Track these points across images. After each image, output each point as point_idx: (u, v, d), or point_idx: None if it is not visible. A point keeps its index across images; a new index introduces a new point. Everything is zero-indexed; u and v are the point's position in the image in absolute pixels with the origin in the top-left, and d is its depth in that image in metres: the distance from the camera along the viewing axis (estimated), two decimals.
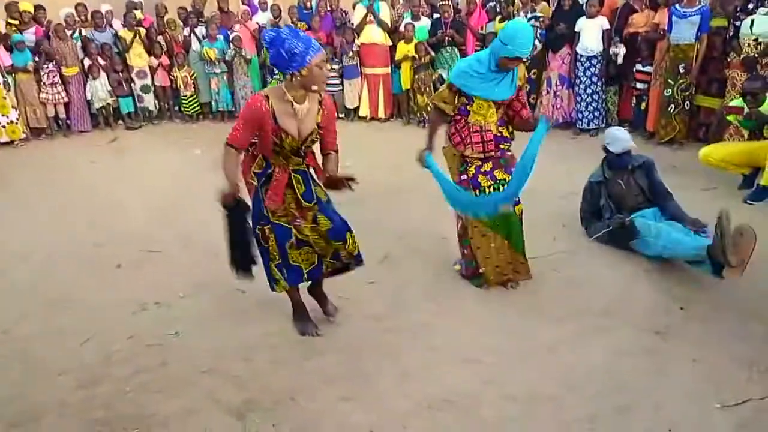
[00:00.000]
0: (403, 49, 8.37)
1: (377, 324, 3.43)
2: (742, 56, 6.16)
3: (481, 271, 3.76)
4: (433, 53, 8.26)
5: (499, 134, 3.54)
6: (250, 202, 3.19)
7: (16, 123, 8.00)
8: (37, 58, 8.12)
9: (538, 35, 7.59)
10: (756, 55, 6.05)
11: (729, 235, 3.36)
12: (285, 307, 3.62)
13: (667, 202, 4.17)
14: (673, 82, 6.65)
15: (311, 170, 3.16)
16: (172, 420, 2.71)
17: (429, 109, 8.33)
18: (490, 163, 3.58)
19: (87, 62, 8.44)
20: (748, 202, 5.07)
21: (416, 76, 8.35)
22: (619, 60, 7.25)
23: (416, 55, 8.25)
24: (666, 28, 6.69)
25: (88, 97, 8.59)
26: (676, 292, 3.63)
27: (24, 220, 5.28)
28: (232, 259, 3.18)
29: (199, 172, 6.69)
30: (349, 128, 8.75)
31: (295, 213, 3.09)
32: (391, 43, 8.61)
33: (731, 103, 5.24)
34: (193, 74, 8.90)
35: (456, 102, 3.52)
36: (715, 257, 3.44)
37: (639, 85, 7.19)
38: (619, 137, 4.34)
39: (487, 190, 3.59)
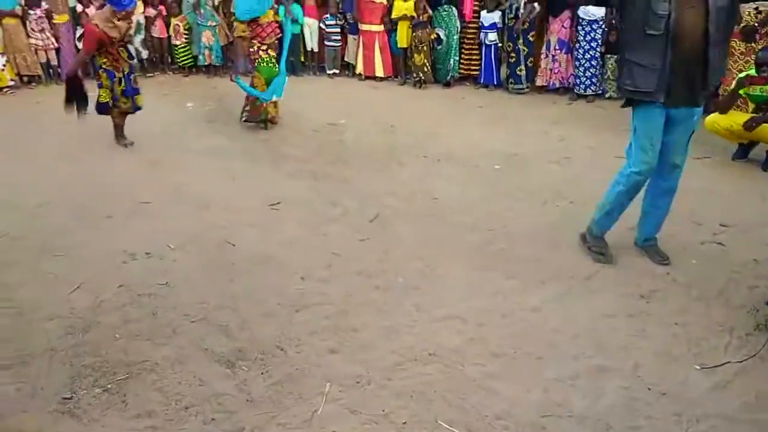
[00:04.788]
0: (401, 7, 8.23)
1: (366, 281, 3.47)
2: (741, 25, 6.10)
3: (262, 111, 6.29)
4: (431, 11, 8.14)
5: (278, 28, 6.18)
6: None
7: (3, 70, 7.85)
8: (23, 3, 7.93)
9: None
10: (756, 24, 5.99)
11: None
12: (273, 263, 3.67)
13: None
14: None
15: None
16: (162, 367, 2.74)
17: (426, 69, 8.30)
18: (265, 45, 6.11)
19: (79, 8, 8.26)
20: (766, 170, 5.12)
21: (414, 35, 8.24)
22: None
23: (414, 14, 8.12)
24: None
25: (79, 46, 8.42)
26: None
27: (15, 169, 5.23)
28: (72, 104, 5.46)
29: (190, 125, 6.65)
30: (344, 86, 8.67)
31: (117, 68, 5.52)
32: (385, 1, 8.47)
33: (741, 75, 5.18)
34: (186, 24, 8.74)
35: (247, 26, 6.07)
36: None
37: None
38: None
39: (265, 61, 6.13)
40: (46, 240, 3.94)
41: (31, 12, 7.97)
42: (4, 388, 2.61)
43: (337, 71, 9.10)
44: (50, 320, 3.09)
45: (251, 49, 6.12)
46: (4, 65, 7.86)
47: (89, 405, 2.52)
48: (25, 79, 8.33)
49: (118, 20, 5.31)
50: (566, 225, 4.15)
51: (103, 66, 5.50)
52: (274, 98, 6.28)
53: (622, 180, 3.50)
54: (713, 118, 5.25)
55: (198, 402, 2.53)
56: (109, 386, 2.63)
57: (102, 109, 5.64)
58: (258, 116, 6.32)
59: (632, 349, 2.89)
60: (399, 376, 2.68)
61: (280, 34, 6.22)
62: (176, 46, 8.90)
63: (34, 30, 8.06)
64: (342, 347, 2.87)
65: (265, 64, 6.12)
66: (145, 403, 2.53)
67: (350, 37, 8.87)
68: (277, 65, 6.21)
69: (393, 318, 3.11)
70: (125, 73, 5.55)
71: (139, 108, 5.79)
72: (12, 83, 8.02)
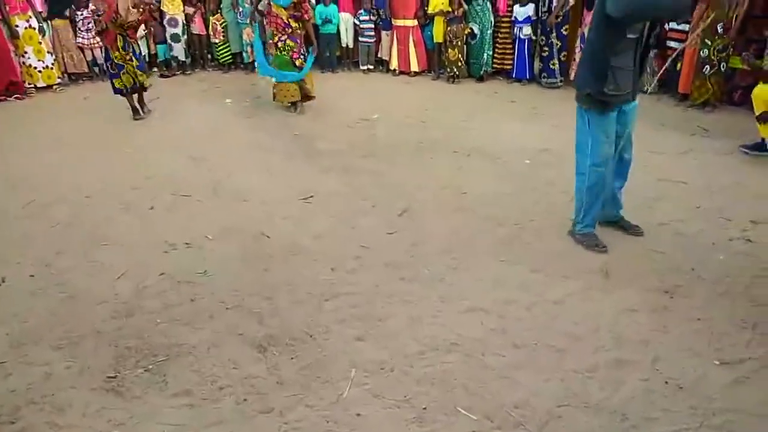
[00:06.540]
0: (437, 2, 8.28)
1: (393, 272, 3.58)
2: None
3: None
4: (466, 6, 8.17)
5: (287, 23, 6.56)
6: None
7: (52, 68, 8.21)
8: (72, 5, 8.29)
9: None
10: None
11: None
12: (305, 254, 3.81)
13: None
14: (710, 42, 6.50)
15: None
16: (199, 350, 2.92)
17: (460, 64, 8.34)
18: (285, 36, 6.60)
19: None
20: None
21: (448, 29, 8.28)
22: None
23: (450, 9, 8.16)
24: None
25: None
26: (689, 254, 3.69)
27: (63, 163, 5.52)
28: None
29: (228, 121, 6.87)
30: (378, 81, 8.78)
31: (124, 60, 6.53)
32: None
33: None
34: (224, 23, 8.97)
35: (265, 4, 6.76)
36: None
37: (672, 44, 7.03)
38: None
39: (281, 50, 6.66)
40: (94, 230, 4.18)
41: (78, 12, 8.31)
42: (56, 366, 2.83)
43: (371, 67, 9.21)
44: (97, 304, 3.31)
45: (270, 38, 6.89)
46: (52, 64, 8.21)
47: (132, 383, 2.71)
48: (73, 77, 8.70)
49: (133, 7, 6.36)
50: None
51: (115, 60, 6.48)
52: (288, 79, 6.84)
53: (586, 177, 3.66)
54: (761, 90, 5.20)
55: (232, 383, 2.70)
56: (151, 367, 2.82)
57: (118, 91, 6.68)
58: (283, 99, 6.93)
59: (652, 343, 2.93)
60: (421, 364, 2.80)
61: (296, 31, 6.64)
62: (215, 43, 9.15)
63: (80, 30, 8.40)
64: (367, 335, 3.00)
65: (278, 51, 6.67)
66: (183, 383, 2.71)
67: (383, 33, 8.97)
68: (294, 58, 6.65)
69: (418, 309, 3.22)
70: (133, 53, 6.53)
71: (143, 86, 6.75)
72: (60, 81, 8.38)
